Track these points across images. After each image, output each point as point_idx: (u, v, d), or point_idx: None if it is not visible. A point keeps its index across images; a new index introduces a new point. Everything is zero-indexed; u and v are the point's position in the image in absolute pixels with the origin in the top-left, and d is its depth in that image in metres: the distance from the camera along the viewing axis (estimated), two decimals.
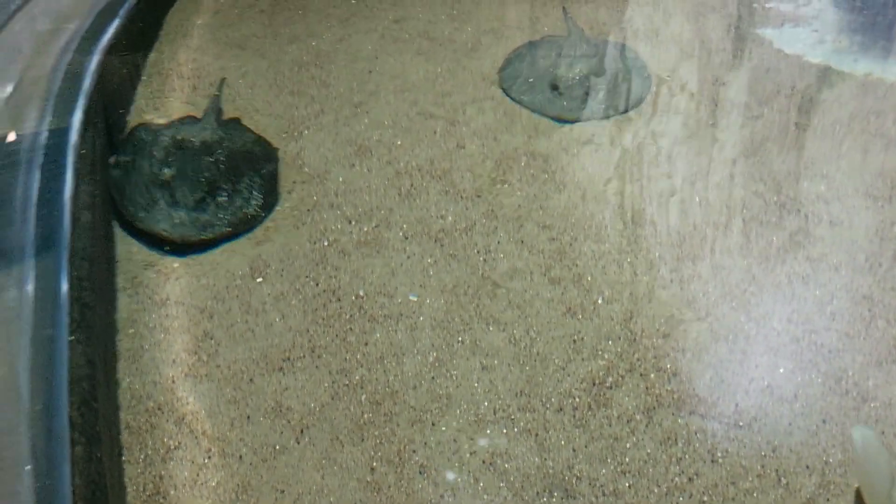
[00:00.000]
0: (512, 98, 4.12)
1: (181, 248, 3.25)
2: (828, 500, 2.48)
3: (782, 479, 2.54)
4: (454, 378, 2.82)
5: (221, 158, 3.48)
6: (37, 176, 2.95)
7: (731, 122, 4.01)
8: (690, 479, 2.54)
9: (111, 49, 3.91)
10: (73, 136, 3.20)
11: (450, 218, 3.44)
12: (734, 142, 3.88)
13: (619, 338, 2.96)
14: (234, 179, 3.43)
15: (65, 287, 2.57)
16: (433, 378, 2.82)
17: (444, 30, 4.71)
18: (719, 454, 2.60)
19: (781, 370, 2.85)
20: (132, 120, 3.92)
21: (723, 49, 4.55)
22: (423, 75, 4.31)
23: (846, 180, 3.65)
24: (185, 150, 3.49)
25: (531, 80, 4.17)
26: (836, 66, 4.39)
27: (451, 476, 2.54)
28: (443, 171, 3.69)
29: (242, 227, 3.33)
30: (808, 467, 2.57)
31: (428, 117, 4.00)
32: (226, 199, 3.35)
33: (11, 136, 3.09)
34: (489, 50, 4.52)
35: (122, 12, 4.20)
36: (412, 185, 3.60)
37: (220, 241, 3.28)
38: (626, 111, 4.04)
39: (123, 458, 2.55)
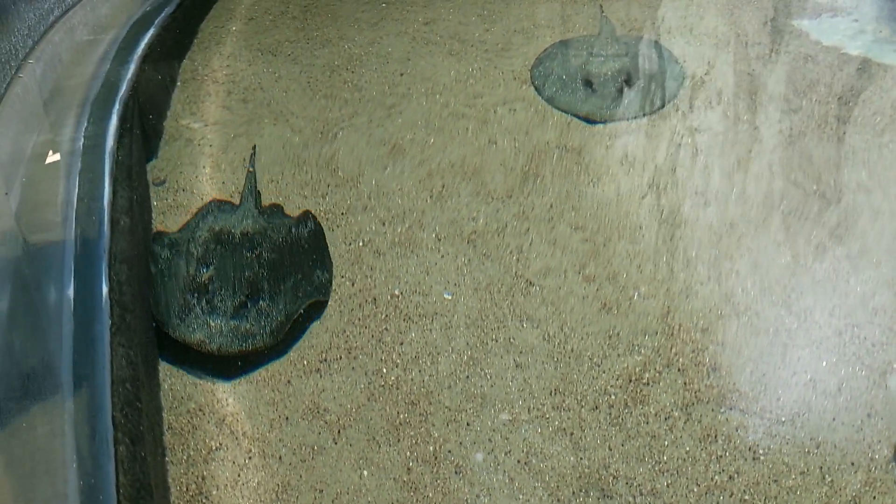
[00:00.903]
0: (543, 97, 4.10)
1: (220, 362, 2.86)
2: (874, 497, 2.42)
3: (826, 476, 2.49)
4: (489, 377, 2.82)
5: (263, 255, 3.08)
6: (76, 181, 3.02)
7: (769, 115, 3.95)
8: (731, 478, 2.50)
9: (147, 57, 3.98)
10: (110, 143, 3.26)
11: (481, 220, 3.43)
12: (772, 134, 3.82)
13: (656, 332, 2.92)
14: (277, 280, 3.02)
15: (105, 289, 2.62)
16: (468, 377, 2.82)
17: (474, 31, 4.71)
18: (761, 451, 2.56)
19: (824, 363, 2.80)
20: (169, 124, 3.99)
21: (759, 42, 4.48)
22: (454, 76, 4.32)
23: (888, 170, 3.57)
24: (224, 245, 3.11)
25: (563, 77, 4.15)
26: (876, 57, 4.29)
27: (486, 475, 2.53)
28: (475, 168, 3.69)
29: (285, 336, 2.92)
30: (853, 464, 2.51)
31: (459, 117, 4.01)
32: (268, 304, 2.94)
33: (55, 157, 3.16)
34: (520, 49, 4.51)
35: (158, 21, 4.28)
36: (444, 187, 3.60)
37: (262, 353, 2.88)
38: (660, 107, 4.00)
39: (167, 458, 2.59)
